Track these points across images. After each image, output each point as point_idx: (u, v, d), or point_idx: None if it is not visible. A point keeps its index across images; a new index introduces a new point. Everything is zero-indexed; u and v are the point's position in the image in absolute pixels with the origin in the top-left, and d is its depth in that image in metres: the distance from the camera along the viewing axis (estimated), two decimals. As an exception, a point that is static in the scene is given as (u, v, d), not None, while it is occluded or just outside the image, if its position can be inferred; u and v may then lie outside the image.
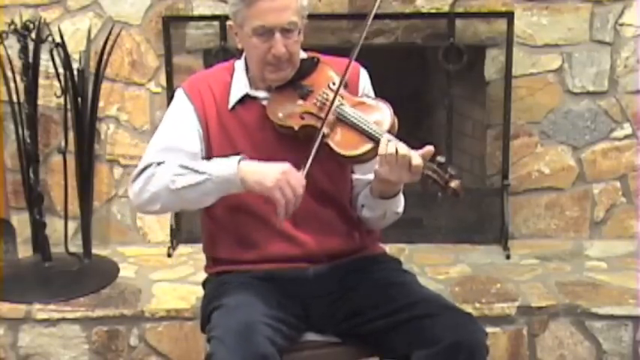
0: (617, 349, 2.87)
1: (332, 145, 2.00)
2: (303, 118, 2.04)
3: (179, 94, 2.15)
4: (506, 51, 3.24)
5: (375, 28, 3.30)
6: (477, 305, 2.86)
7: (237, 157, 1.98)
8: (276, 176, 1.92)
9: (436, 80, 3.64)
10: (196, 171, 1.99)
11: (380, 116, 2.02)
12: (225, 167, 1.97)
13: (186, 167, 2.00)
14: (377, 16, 3.23)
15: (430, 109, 3.84)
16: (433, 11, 3.28)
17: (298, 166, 1.97)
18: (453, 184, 1.93)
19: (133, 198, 2.08)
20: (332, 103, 2.01)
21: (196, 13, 3.30)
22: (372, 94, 2.18)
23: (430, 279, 3.04)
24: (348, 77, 2.07)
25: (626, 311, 2.86)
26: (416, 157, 1.92)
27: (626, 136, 3.38)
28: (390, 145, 1.93)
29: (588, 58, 3.31)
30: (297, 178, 1.94)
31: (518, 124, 3.36)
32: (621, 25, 3.29)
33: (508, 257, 3.26)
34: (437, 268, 3.15)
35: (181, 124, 2.10)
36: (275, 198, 1.93)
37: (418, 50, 3.52)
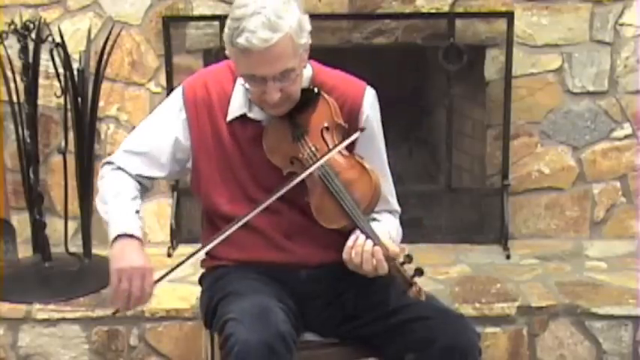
0: (617, 349, 2.87)
1: (311, 207, 2.00)
2: (292, 163, 2.02)
3: (177, 94, 2.12)
4: (506, 51, 3.24)
5: (375, 28, 3.30)
6: (477, 305, 2.86)
7: (127, 229, 1.98)
8: (125, 267, 1.93)
9: (436, 80, 3.64)
10: (105, 211, 2.04)
11: (362, 190, 1.97)
12: (111, 227, 2.00)
13: (105, 202, 2.05)
14: (377, 16, 3.28)
15: (430, 109, 3.84)
16: (433, 11, 3.28)
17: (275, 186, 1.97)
18: (412, 291, 1.91)
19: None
20: (314, 164, 1.96)
21: (196, 13, 3.30)
22: (377, 121, 2.12)
23: (430, 279, 3.03)
24: (347, 109, 2.03)
25: (626, 311, 2.86)
26: (378, 253, 1.89)
27: (626, 136, 3.38)
28: (358, 243, 1.91)
29: (588, 58, 3.31)
30: (143, 284, 1.94)
31: (518, 124, 3.36)
32: (621, 25, 3.29)
33: (508, 257, 3.26)
34: (437, 268, 3.15)
35: (162, 130, 2.09)
36: (111, 282, 1.95)
37: (418, 50, 3.53)
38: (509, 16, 3.21)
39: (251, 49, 1.85)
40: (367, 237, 1.92)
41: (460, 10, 3.27)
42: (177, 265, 2.00)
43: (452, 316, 2.02)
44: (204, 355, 2.30)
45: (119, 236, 1.97)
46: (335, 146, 1.99)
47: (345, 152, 2.02)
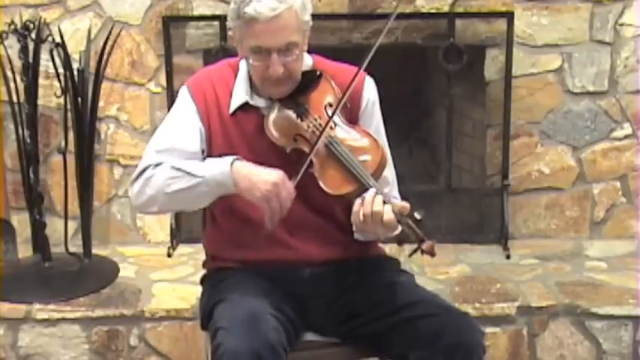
0: (617, 349, 2.87)
1: (317, 177, 1.99)
2: (295, 140, 2.02)
3: (183, 92, 2.13)
4: (506, 51, 3.24)
5: (374, 28, 3.30)
6: (477, 305, 2.86)
7: (230, 159, 1.95)
8: (267, 187, 1.91)
9: (436, 80, 3.64)
10: (189, 173, 1.97)
11: (369, 155, 1.99)
12: (219, 170, 1.94)
13: (179, 169, 1.98)
14: (377, 16, 3.28)
15: (430, 109, 3.84)
16: (433, 11, 3.28)
17: (291, 175, 1.96)
18: (425, 245, 1.88)
19: (132, 199, 2.08)
20: (322, 132, 1.98)
21: (196, 13, 3.30)
22: (377, 105, 2.14)
23: (430, 279, 3.04)
24: (350, 92, 2.03)
25: (626, 311, 2.86)
26: (389, 213, 1.87)
27: (626, 136, 3.38)
28: (367, 200, 1.90)
29: (588, 58, 3.31)
30: (287, 191, 1.93)
31: (518, 124, 3.36)
32: (621, 25, 3.29)
33: (508, 257, 3.27)
34: (437, 268, 3.15)
35: (183, 124, 2.09)
36: (262, 208, 1.93)
37: (418, 50, 3.53)
38: (509, 16, 3.21)
39: (258, 18, 1.91)
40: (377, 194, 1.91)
41: (460, 10, 3.27)
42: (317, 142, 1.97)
43: (456, 313, 2.02)
44: (204, 355, 2.31)
45: (231, 166, 1.93)
46: (335, 109, 1.99)
47: (350, 130, 2.04)
